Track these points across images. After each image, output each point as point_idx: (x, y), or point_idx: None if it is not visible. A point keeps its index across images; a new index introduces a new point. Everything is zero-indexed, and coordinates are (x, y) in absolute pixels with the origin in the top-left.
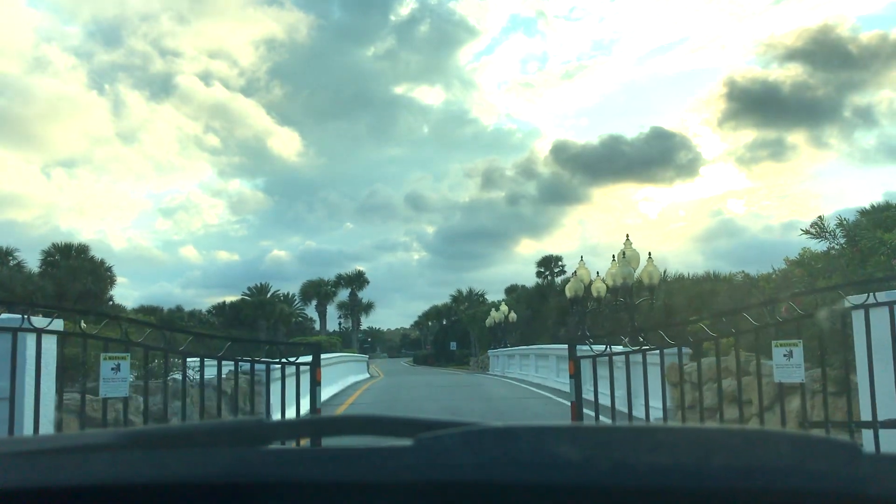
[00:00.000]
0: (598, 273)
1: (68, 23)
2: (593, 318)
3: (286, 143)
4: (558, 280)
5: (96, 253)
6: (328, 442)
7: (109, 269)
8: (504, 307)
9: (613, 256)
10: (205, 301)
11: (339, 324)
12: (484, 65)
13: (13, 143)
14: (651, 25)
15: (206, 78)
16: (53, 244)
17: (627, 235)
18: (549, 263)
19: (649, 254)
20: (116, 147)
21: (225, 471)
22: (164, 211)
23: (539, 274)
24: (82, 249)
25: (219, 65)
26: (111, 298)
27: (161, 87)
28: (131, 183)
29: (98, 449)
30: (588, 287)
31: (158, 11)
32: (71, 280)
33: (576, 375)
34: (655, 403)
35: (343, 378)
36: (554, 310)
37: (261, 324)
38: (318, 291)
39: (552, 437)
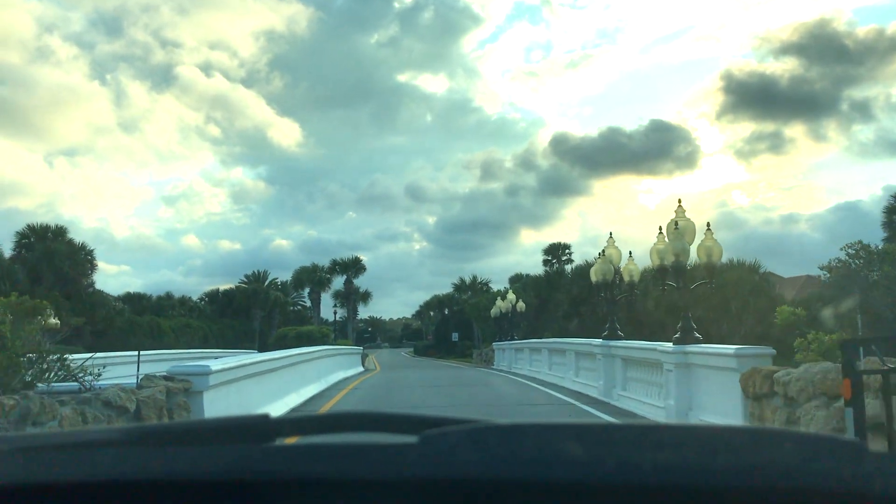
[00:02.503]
0: (629, 253)
1: (70, 13)
2: (607, 307)
3: (286, 134)
4: (568, 268)
5: (84, 237)
6: (333, 439)
7: (90, 252)
8: (511, 295)
9: (660, 229)
10: (206, 290)
11: (335, 313)
12: (488, 53)
13: (16, 132)
14: (656, 13)
15: (206, 69)
16: (28, 225)
17: (680, 201)
18: (556, 251)
19: (708, 224)
20: (118, 137)
21: (231, 467)
22: (166, 199)
23: (546, 262)
24: (60, 231)
25: (219, 56)
26: (92, 284)
27: (162, 78)
28: (133, 171)
29: (104, 445)
30: (617, 270)
31: (159, 2)
32: (44, 264)
33: (856, 400)
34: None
35: (326, 375)
36: (565, 299)
37: (255, 313)
38: (311, 278)
39: (557, 434)
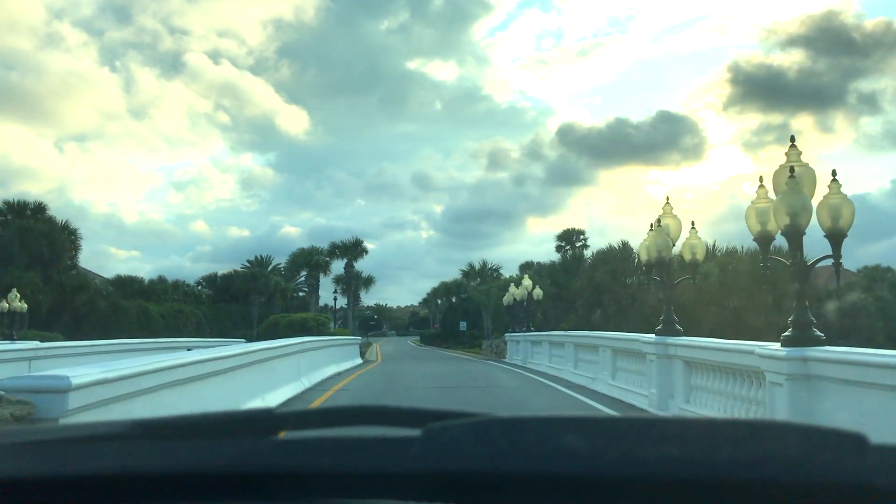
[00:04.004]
0: (692, 224)
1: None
2: (663, 293)
3: (294, 122)
4: (587, 253)
5: (94, 222)
6: (337, 432)
7: (73, 232)
8: (527, 281)
9: (761, 180)
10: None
11: (335, 299)
12: (498, 40)
13: (26, 117)
14: (668, 2)
15: (214, 56)
16: (5, 202)
17: (792, 138)
18: (570, 237)
19: (833, 173)
20: (128, 123)
21: (235, 461)
22: (175, 185)
23: (559, 248)
24: (39, 208)
25: (227, 43)
26: (74, 266)
27: (171, 65)
28: (143, 157)
29: (110, 439)
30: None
31: None
32: (18, 243)
33: None
34: None
35: (311, 372)
36: (585, 287)
37: (254, 298)
38: (308, 261)
39: (560, 427)
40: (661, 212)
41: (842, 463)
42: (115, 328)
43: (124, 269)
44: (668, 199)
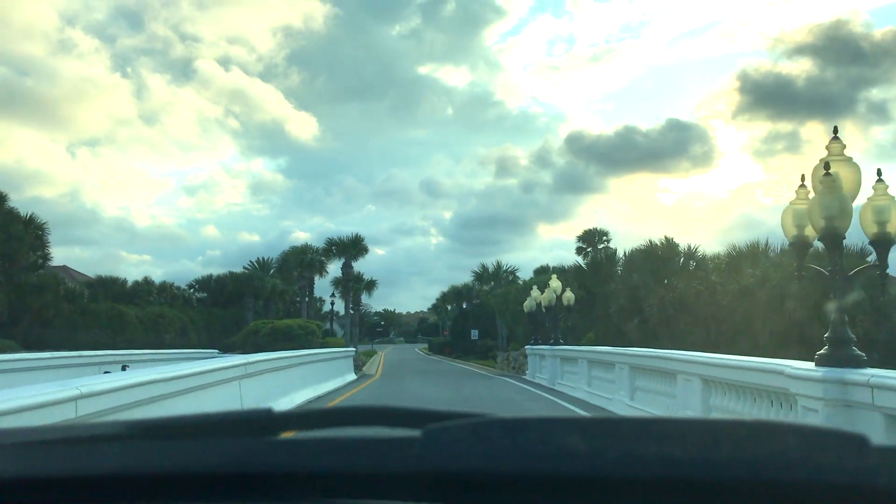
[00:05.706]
0: (878, 174)
1: (92, 6)
2: (834, 292)
3: (304, 128)
4: (620, 253)
5: (106, 226)
6: (337, 433)
7: (41, 227)
8: (556, 282)
9: None
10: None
11: (332, 303)
12: (510, 46)
13: (39, 122)
14: (682, 7)
15: (225, 63)
16: None
17: None
18: (591, 238)
19: None
20: (139, 128)
21: (235, 460)
22: (186, 189)
23: (580, 250)
24: None
25: (237, 50)
26: (40, 265)
27: (182, 71)
28: (154, 162)
29: (109, 439)
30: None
31: None
32: None
33: None
34: None
35: (266, 403)
36: (621, 291)
37: (248, 301)
38: (300, 261)
39: (560, 428)
40: (825, 153)
41: (842, 463)
42: (84, 333)
43: (136, 274)
44: (835, 131)
